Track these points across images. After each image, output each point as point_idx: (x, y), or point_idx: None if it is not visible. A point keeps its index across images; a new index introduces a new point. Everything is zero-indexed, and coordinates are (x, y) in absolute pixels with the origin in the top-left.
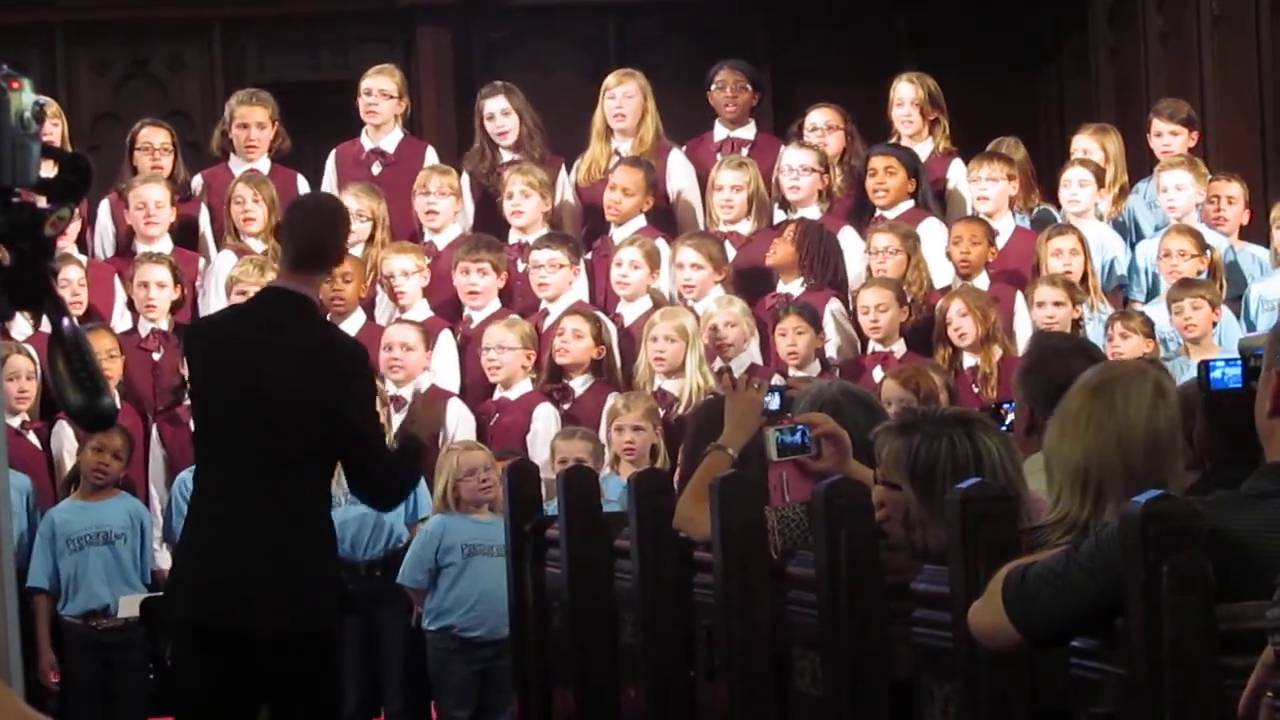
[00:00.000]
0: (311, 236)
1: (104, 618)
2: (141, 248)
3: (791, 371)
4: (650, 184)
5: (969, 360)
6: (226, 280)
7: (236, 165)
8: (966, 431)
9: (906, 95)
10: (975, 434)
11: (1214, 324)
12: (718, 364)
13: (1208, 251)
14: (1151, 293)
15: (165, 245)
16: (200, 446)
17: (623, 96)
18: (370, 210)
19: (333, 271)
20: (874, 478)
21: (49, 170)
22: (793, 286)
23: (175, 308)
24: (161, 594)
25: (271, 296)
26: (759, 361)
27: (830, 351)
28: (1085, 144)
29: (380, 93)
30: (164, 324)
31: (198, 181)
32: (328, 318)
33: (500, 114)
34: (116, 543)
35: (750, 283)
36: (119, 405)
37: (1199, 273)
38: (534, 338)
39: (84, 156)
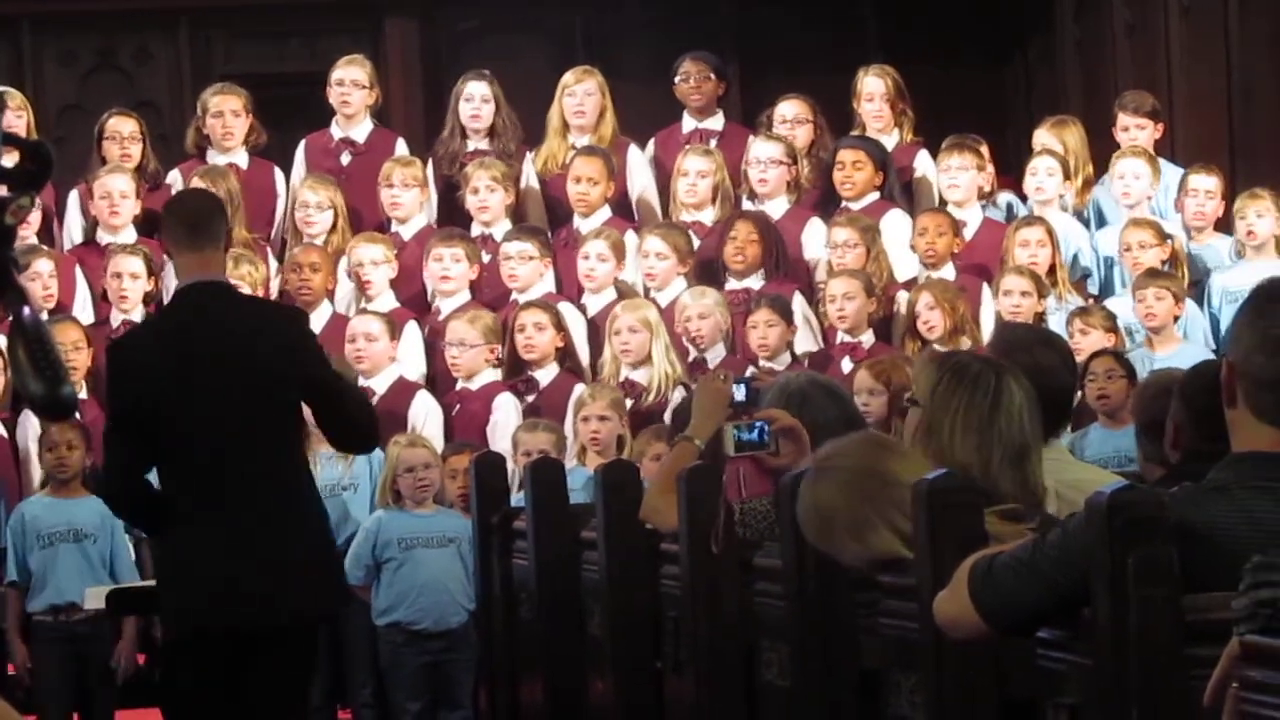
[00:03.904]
0: (197, 220)
1: (73, 612)
2: (105, 238)
3: (762, 362)
4: (610, 170)
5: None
6: None
7: (214, 158)
8: (996, 372)
9: (876, 89)
10: (1005, 378)
11: (1176, 317)
12: (692, 355)
13: (1169, 240)
14: (1107, 284)
15: (129, 236)
16: (169, 459)
17: (582, 94)
18: (330, 200)
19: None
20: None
21: (10, 159)
22: (750, 281)
23: (148, 299)
24: (174, 606)
25: (188, 293)
26: (724, 352)
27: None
28: (1044, 139)
29: (353, 83)
30: (136, 315)
31: (175, 176)
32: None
33: (480, 99)
34: (85, 541)
35: (711, 273)
36: (80, 395)
37: (1163, 263)
38: (497, 331)
39: (45, 145)
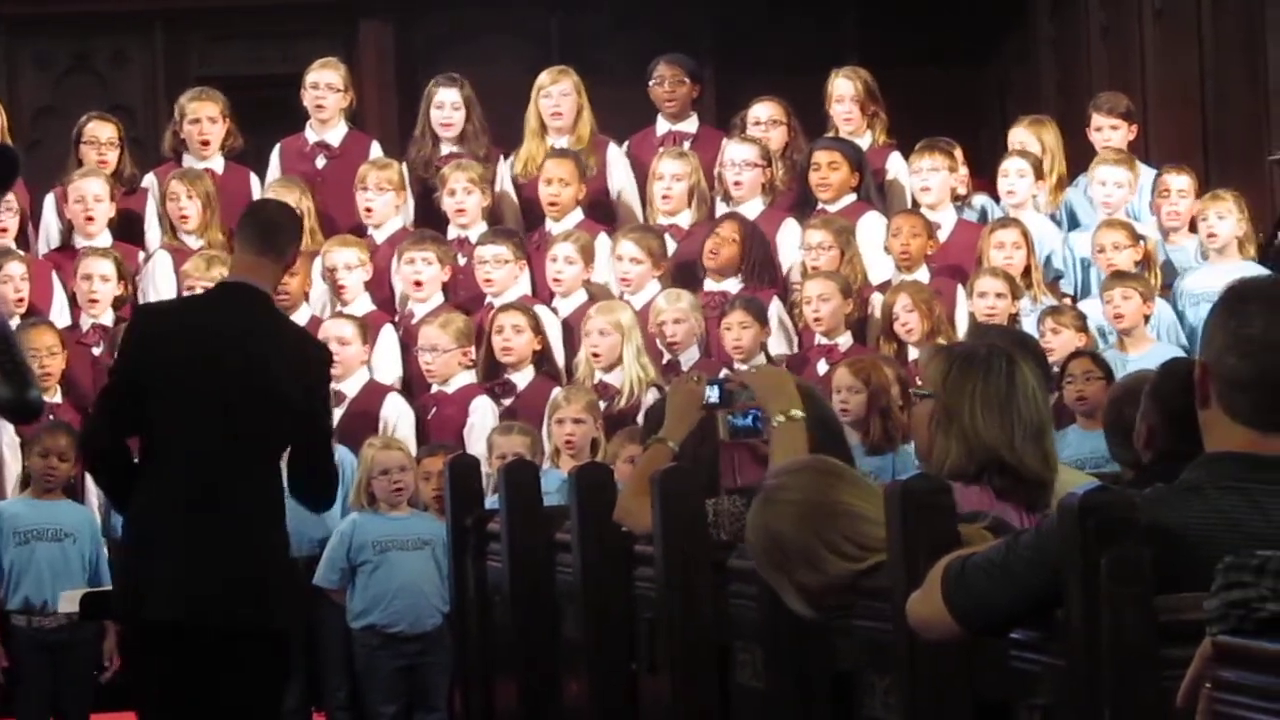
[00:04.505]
0: (270, 228)
1: (44, 617)
2: (80, 242)
3: (737, 365)
4: (582, 171)
5: (914, 354)
6: (179, 276)
7: (190, 162)
8: (1006, 356)
9: (846, 91)
10: (1015, 360)
11: (1146, 317)
12: (666, 358)
13: (1142, 241)
14: (1083, 286)
15: (104, 240)
16: (148, 441)
17: (558, 95)
18: (294, 203)
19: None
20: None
21: None
22: (728, 285)
23: (119, 303)
24: (121, 591)
25: (220, 289)
26: (698, 354)
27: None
28: (1021, 137)
29: (327, 86)
30: (105, 319)
31: (150, 179)
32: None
33: (450, 106)
34: (65, 541)
35: (689, 275)
36: (47, 399)
37: (1136, 264)
38: (470, 333)
39: (11, 148)
